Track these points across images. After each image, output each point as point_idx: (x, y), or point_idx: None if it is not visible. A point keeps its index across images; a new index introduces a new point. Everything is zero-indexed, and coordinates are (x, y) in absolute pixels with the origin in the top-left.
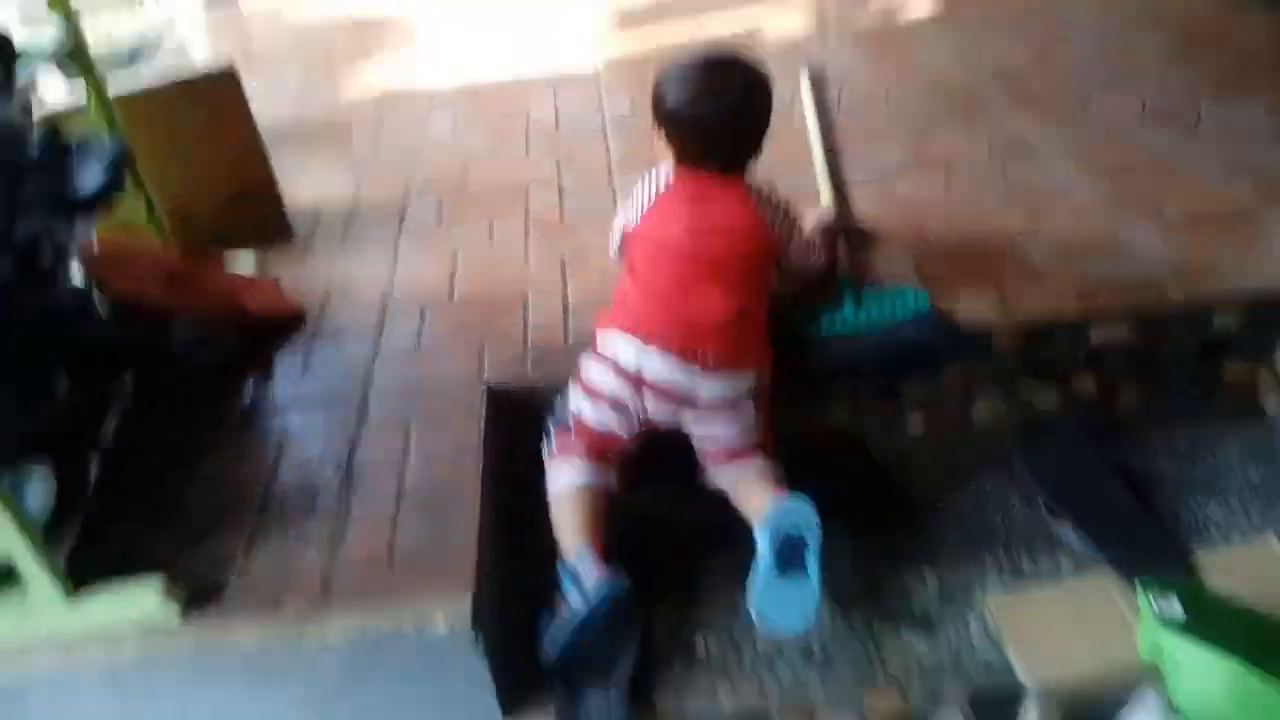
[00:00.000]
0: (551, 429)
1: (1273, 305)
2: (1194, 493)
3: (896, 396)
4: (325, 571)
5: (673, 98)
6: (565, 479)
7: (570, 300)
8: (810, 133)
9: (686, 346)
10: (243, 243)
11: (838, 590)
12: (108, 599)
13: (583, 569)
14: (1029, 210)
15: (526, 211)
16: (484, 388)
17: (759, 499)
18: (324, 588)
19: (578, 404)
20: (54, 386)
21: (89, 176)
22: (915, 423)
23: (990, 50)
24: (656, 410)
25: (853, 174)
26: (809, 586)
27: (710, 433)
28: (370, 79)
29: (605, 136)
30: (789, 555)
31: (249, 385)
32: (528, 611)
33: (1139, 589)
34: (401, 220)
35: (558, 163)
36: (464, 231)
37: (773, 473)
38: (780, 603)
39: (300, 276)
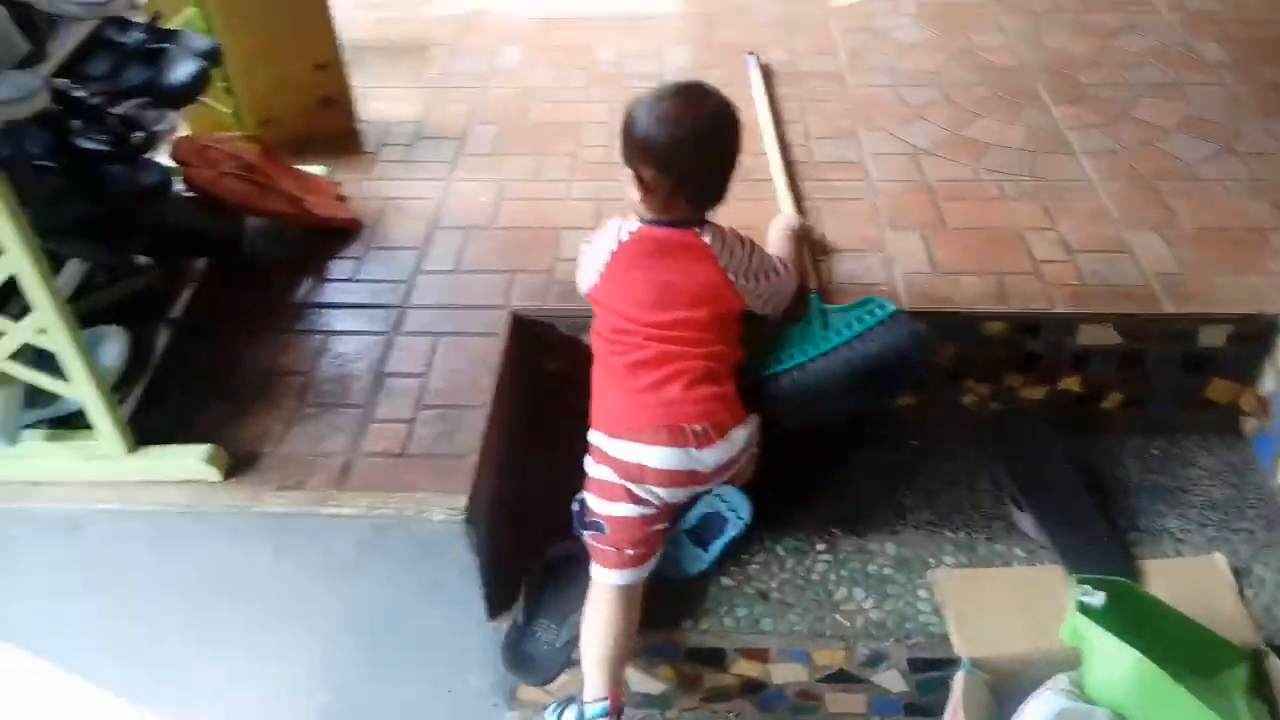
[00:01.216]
0: (585, 534)
1: (1263, 328)
2: (1157, 502)
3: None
4: (347, 458)
5: (642, 124)
6: (604, 578)
7: None
8: (765, 133)
9: (675, 428)
10: (316, 150)
11: (803, 543)
12: (161, 455)
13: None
14: (1047, 205)
15: (575, 151)
16: (509, 312)
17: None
18: (343, 472)
19: (598, 505)
20: (136, 263)
21: (181, 69)
22: (905, 399)
23: (1051, 39)
24: (669, 495)
25: (884, 147)
26: (703, 561)
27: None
28: (452, 1)
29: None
30: (707, 530)
31: (304, 283)
32: (523, 531)
33: (1073, 579)
34: (461, 146)
35: (612, 107)
36: (515, 163)
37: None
38: (677, 554)
39: (363, 187)
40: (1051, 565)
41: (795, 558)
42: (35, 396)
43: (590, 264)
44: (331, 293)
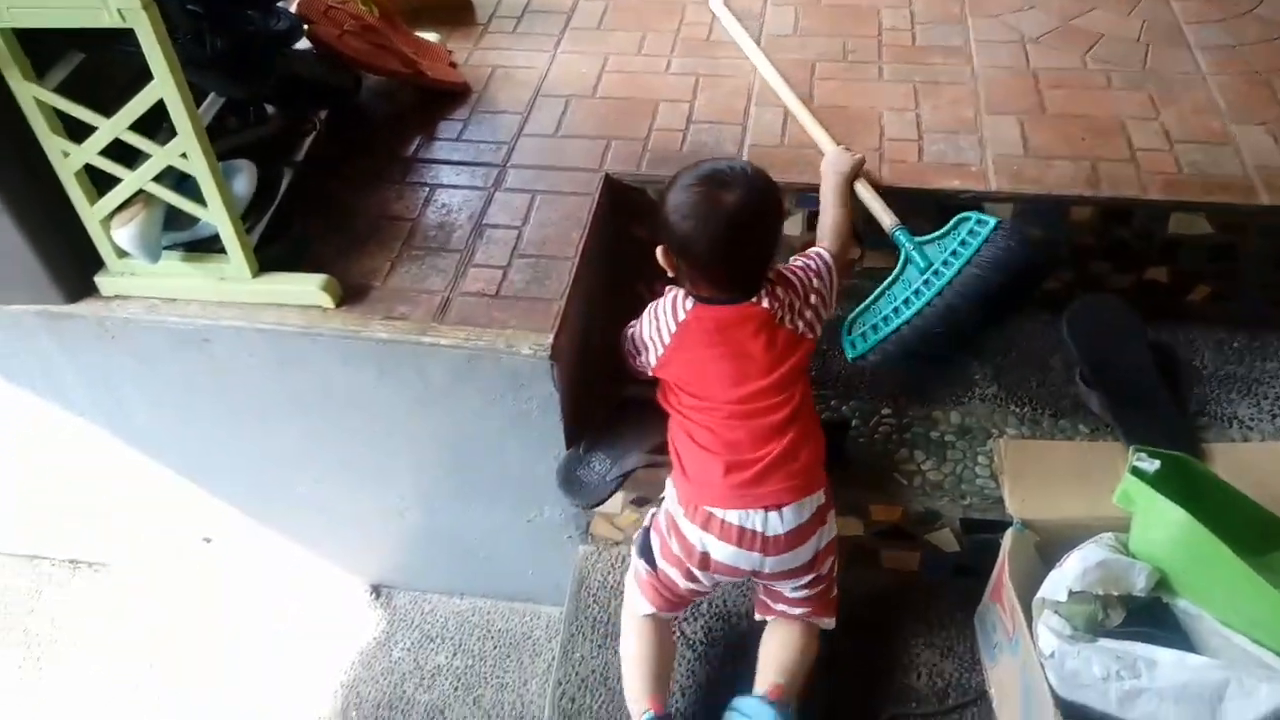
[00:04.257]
0: (636, 558)
1: None
2: (1230, 390)
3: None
4: (446, 295)
5: (671, 214)
6: (640, 607)
7: (694, 114)
8: (764, 71)
9: (745, 531)
10: (431, 19)
11: (868, 405)
12: (282, 282)
13: None
14: (1153, 96)
15: (678, 29)
16: (602, 175)
17: (763, 674)
18: (442, 307)
19: (656, 553)
20: (264, 110)
21: None
22: None
23: None
24: (726, 579)
25: (991, 34)
26: None
27: (777, 585)
28: None
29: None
30: None
31: (414, 139)
32: (600, 378)
33: (1131, 449)
34: (568, 20)
35: None
36: (619, 38)
37: (799, 655)
38: None
39: (473, 55)
40: (1114, 443)
41: (860, 419)
42: (174, 220)
43: (650, 339)
44: (439, 150)
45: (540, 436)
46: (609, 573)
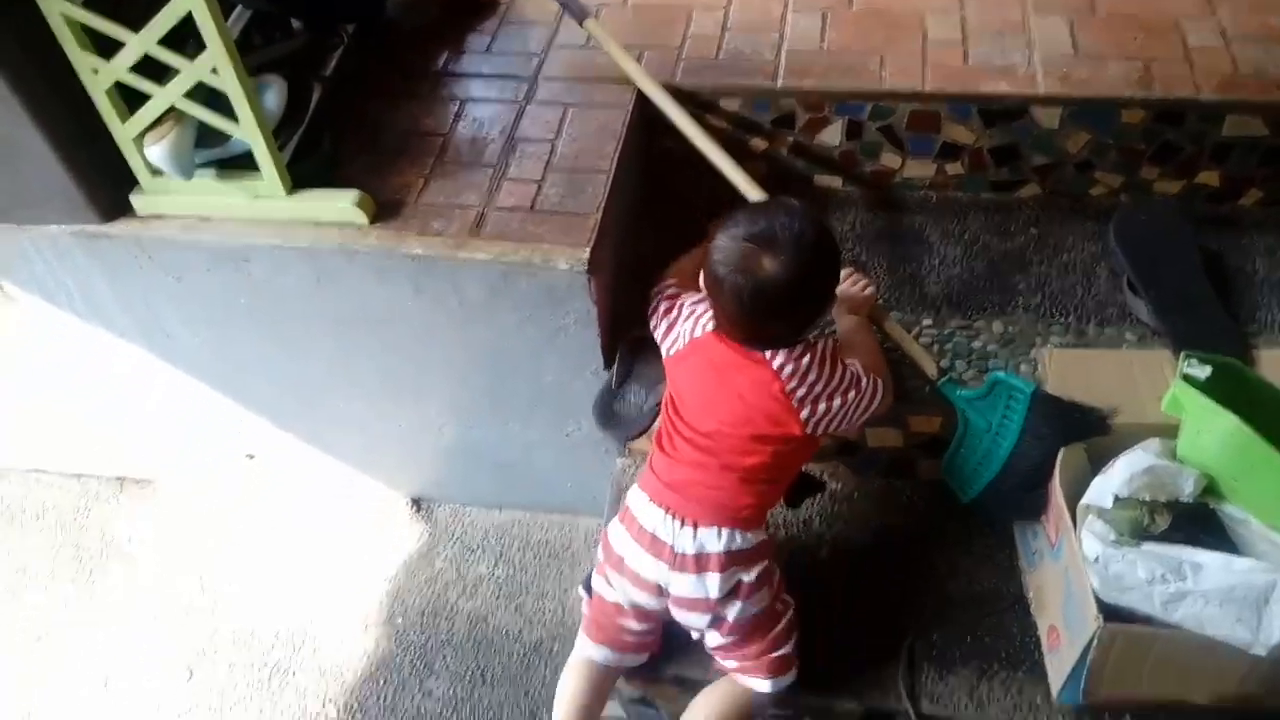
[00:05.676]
0: (582, 592)
1: None
2: None
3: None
4: (480, 210)
5: (719, 264)
6: (580, 648)
7: (730, 21)
8: (705, 150)
9: (659, 532)
10: None
11: (908, 316)
12: (316, 198)
13: None
14: None
15: None
16: (635, 86)
17: None
18: (477, 222)
19: (594, 577)
20: (290, 26)
21: None
22: (1028, 190)
23: None
24: (637, 595)
25: None
26: None
27: (686, 621)
28: None
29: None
30: None
31: (443, 52)
32: (634, 293)
33: (1182, 355)
34: None
35: None
36: None
37: (712, 711)
38: None
39: None
40: (1160, 351)
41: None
42: (205, 138)
43: (671, 334)
44: (468, 63)
45: (577, 351)
46: None
